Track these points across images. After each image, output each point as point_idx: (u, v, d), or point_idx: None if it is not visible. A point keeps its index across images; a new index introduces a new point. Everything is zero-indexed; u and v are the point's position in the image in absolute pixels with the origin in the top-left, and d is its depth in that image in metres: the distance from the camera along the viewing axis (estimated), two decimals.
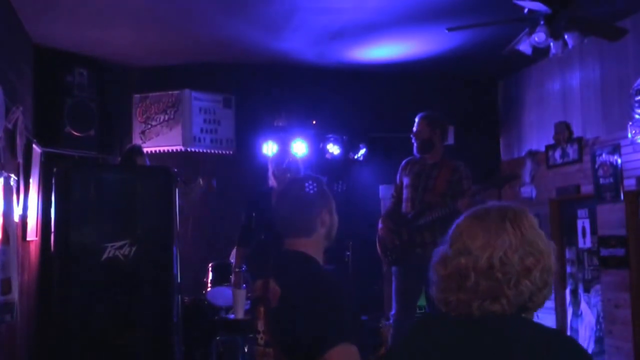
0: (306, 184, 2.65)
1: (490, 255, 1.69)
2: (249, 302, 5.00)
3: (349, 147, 7.55)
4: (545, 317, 7.10)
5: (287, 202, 2.64)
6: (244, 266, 5.75)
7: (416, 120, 5.64)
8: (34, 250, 6.21)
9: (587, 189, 6.55)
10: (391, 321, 5.48)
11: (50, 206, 5.09)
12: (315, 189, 2.62)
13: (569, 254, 7.05)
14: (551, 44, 4.84)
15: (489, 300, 1.69)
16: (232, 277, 5.82)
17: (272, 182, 5.76)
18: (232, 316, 5.81)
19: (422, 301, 5.83)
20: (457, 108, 8.05)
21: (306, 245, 2.57)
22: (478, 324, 1.70)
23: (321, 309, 2.32)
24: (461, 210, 5.13)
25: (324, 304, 2.34)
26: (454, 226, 1.81)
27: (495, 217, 1.75)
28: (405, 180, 5.60)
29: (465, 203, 5.12)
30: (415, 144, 5.61)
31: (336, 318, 2.32)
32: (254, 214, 5.71)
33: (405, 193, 5.57)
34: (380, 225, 5.63)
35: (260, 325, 2.47)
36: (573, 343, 1.72)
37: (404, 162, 5.75)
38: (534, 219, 1.79)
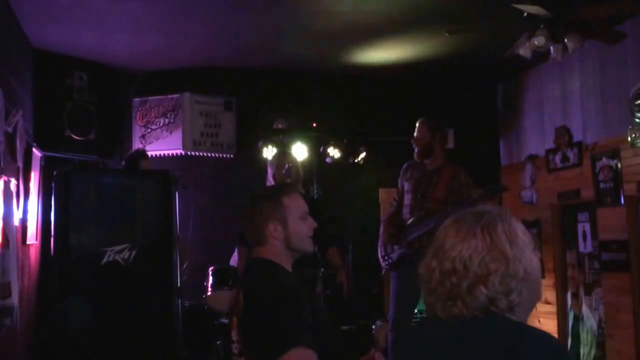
0: (257, 195, 2.71)
1: (454, 257, 1.74)
2: None
3: (349, 151, 7.54)
4: (547, 321, 7.10)
5: (244, 211, 2.70)
6: None
7: (416, 125, 5.64)
8: (33, 254, 6.20)
9: (587, 193, 6.55)
10: (390, 325, 5.48)
11: (50, 210, 5.09)
12: (265, 200, 2.65)
13: (569, 257, 7.04)
14: (551, 47, 4.84)
15: (450, 302, 1.74)
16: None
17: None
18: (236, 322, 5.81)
19: (420, 306, 5.82)
20: (456, 112, 8.06)
21: (264, 253, 2.60)
22: (444, 326, 1.76)
23: (267, 316, 2.35)
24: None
25: (269, 311, 2.36)
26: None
27: (470, 221, 1.78)
28: (406, 186, 5.60)
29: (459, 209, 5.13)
30: (415, 150, 5.61)
31: (281, 324, 2.32)
32: None
33: (405, 199, 5.57)
34: (381, 229, 5.64)
35: (234, 335, 2.51)
36: (541, 339, 1.72)
37: (405, 165, 5.75)
38: (517, 224, 1.80)
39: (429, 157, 5.56)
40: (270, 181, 5.62)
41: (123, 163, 6.04)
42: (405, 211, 5.54)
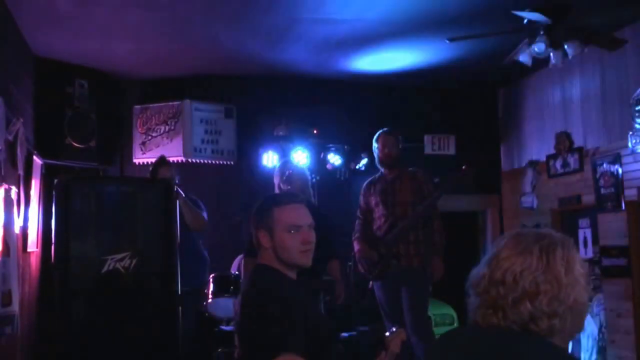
0: (258, 202, 2.69)
1: (506, 269, 1.73)
2: None
3: (350, 157, 7.54)
4: None
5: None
6: None
7: (381, 138, 5.83)
8: (34, 261, 6.19)
9: (588, 198, 6.55)
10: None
11: (51, 218, 5.08)
12: (256, 209, 2.64)
13: None
14: (551, 54, 4.85)
15: (490, 311, 1.74)
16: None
17: (283, 187, 5.76)
18: (233, 328, 5.80)
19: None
20: (457, 118, 8.07)
21: (263, 260, 2.61)
22: (483, 334, 1.75)
23: (257, 321, 2.36)
24: (422, 214, 5.49)
25: (258, 315, 2.38)
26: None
27: (530, 239, 1.77)
28: (374, 200, 5.80)
29: (424, 208, 5.47)
30: (385, 162, 5.78)
31: (268, 330, 2.32)
32: None
33: (377, 211, 5.74)
34: (357, 247, 5.75)
35: (236, 340, 2.53)
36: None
37: (365, 184, 6.00)
38: (576, 254, 1.79)
39: (396, 167, 5.75)
40: (276, 191, 5.64)
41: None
42: (379, 222, 5.71)
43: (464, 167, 5.86)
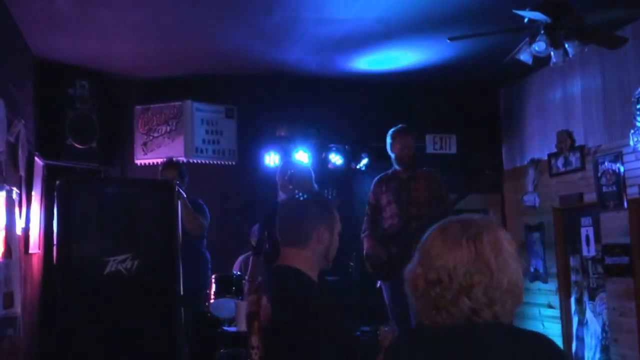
0: (310, 197, 2.71)
1: (439, 267, 1.75)
2: None
3: (351, 157, 7.55)
4: (551, 325, 7.08)
5: (287, 210, 2.70)
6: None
7: (399, 138, 5.70)
8: (36, 263, 6.20)
9: (590, 197, 6.54)
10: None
11: (53, 219, 5.08)
12: (318, 205, 2.67)
13: (573, 262, 7.02)
14: (552, 53, 4.84)
15: (434, 311, 1.76)
16: (246, 286, 5.80)
17: (280, 194, 5.76)
18: (235, 328, 5.80)
19: None
20: (458, 117, 8.07)
21: (299, 257, 2.58)
22: (433, 332, 1.77)
23: (312, 330, 2.34)
24: (440, 216, 5.22)
25: (315, 324, 2.36)
26: (424, 235, 1.87)
27: (456, 231, 1.79)
28: (385, 198, 5.65)
29: (445, 209, 5.31)
30: (402, 162, 5.67)
31: (327, 339, 2.33)
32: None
33: (389, 210, 5.60)
34: (366, 245, 5.66)
35: (255, 341, 2.45)
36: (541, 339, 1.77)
37: (376, 180, 5.82)
38: (503, 234, 1.81)
39: (411, 167, 5.66)
40: (279, 192, 5.65)
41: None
42: (392, 221, 5.61)
43: (487, 172, 5.84)
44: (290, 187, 5.45)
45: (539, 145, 7.56)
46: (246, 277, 5.90)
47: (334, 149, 7.47)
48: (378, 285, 5.99)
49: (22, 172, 5.34)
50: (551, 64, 5.03)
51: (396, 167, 5.72)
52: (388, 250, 5.53)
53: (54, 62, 6.62)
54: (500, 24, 5.06)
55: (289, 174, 5.56)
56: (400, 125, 5.79)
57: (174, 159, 6.18)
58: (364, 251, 5.74)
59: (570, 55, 4.85)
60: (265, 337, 2.43)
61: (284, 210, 2.72)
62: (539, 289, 7.35)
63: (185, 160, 7.24)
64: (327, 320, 2.39)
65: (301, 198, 2.72)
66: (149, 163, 7.29)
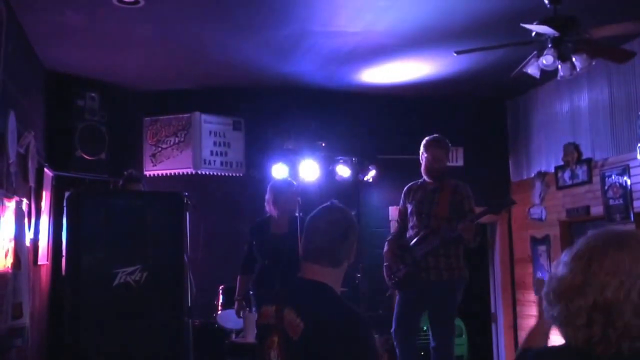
0: (345, 214, 2.54)
1: (630, 286, 1.55)
2: None
3: (358, 169, 7.54)
4: (559, 339, 7.05)
5: (323, 228, 2.48)
6: (251, 292, 5.77)
7: (431, 150, 5.48)
8: (45, 274, 6.22)
9: (597, 210, 6.54)
10: (393, 338, 5.47)
11: (62, 230, 5.11)
12: (355, 224, 2.53)
13: None
14: (559, 66, 4.84)
15: (628, 341, 1.57)
16: (235, 305, 5.85)
17: (269, 209, 5.79)
18: (242, 339, 5.81)
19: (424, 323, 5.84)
20: (465, 130, 8.08)
21: (328, 274, 2.44)
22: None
23: (354, 350, 2.26)
24: (462, 234, 5.16)
25: (355, 344, 2.27)
26: (576, 252, 1.66)
27: (636, 245, 1.59)
28: (410, 208, 5.56)
29: (465, 227, 5.13)
30: (431, 174, 5.48)
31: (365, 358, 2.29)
32: (254, 242, 5.77)
33: (410, 221, 5.53)
34: (386, 249, 5.61)
35: (274, 356, 2.35)
36: None
37: (406, 188, 5.68)
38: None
39: (440, 179, 5.50)
40: (268, 205, 5.77)
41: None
42: (412, 232, 5.48)
43: (514, 200, 5.83)
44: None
45: (545, 158, 7.56)
46: (235, 297, 5.91)
47: (341, 161, 7.47)
48: (389, 293, 5.96)
49: (31, 183, 5.37)
50: (559, 77, 5.02)
51: (424, 176, 5.56)
52: (403, 260, 5.46)
53: (63, 74, 6.67)
54: (508, 37, 5.07)
55: (272, 200, 5.75)
56: (435, 135, 5.57)
57: (133, 172, 6.20)
58: (384, 255, 5.69)
59: (578, 69, 4.85)
60: (293, 355, 2.32)
61: (317, 227, 2.50)
62: None
63: (193, 171, 7.28)
64: (367, 344, 2.31)
65: (339, 214, 2.53)
66: (158, 174, 7.33)
